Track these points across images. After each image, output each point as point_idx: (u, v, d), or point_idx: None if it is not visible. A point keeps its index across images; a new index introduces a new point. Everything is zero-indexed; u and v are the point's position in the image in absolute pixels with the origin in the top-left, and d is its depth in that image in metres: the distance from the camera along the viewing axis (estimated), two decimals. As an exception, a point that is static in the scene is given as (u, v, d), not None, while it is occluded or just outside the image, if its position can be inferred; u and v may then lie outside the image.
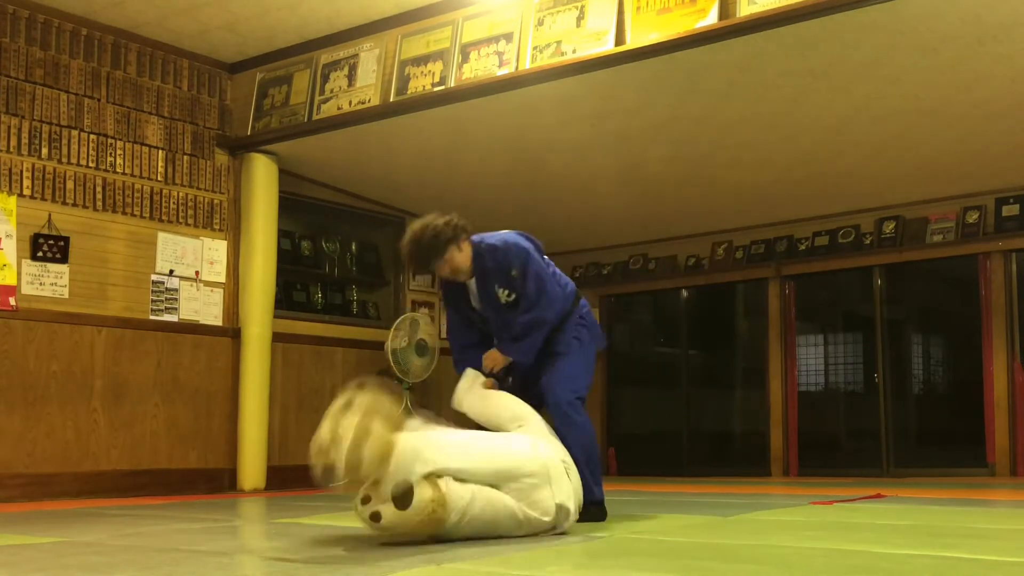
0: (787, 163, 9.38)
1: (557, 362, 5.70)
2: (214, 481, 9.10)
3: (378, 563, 3.66)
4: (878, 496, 7.13)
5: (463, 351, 5.88)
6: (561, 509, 4.65)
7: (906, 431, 10.80)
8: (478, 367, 5.76)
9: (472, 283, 5.63)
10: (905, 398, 10.98)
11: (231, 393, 9.22)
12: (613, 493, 7.39)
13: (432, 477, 4.22)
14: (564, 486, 4.73)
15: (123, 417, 8.54)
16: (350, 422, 4.14)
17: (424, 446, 4.30)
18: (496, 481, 4.47)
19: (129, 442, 8.57)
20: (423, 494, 4.15)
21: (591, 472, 5.39)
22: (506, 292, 5.58)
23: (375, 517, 4.16)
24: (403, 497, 4.14)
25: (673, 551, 4.03)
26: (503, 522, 4.45)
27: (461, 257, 5.47)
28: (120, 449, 8.51)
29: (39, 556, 4.17)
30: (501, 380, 5.77)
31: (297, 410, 9.77)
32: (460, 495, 4.28)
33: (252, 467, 9.09)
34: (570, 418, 5.59)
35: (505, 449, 4.67)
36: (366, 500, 4.21)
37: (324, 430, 4.16)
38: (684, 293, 11.97)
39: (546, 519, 4.59)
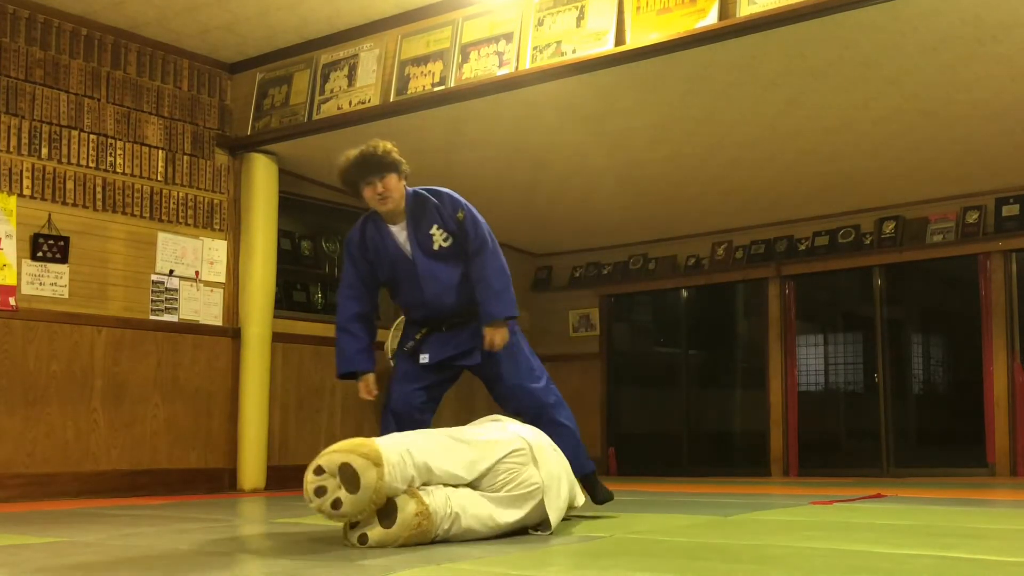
0: (787, 163, 9.39)
1: (509, 358, 5.56)
2: (214, 481, 9.10)
3: (378, 563, 3.66)
4: (878, 496, 7.13)
5: (354, 320, 5.79)
6: (548, 490, 4.61)
7: (906, 431, 10.80)
8: (366, 355, 5.75)
9: (398, 228, 5.53)
10: (905, 398, 10.99)
11: (231, 393, 9.22)
12: (613, 493, 7.38)
13: (413, 489, 4.20)
14: (552, 467, 4.70)
15: (123, 417, 8.54)
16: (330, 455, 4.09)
17: (411, 447, 4.28)
18: (483, 472, 4.44)
19: (129, 442, 8.57)
20: (407, 508, 4.12)
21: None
22: (443, 235, 5.47)
23: (362, 540, 4.13)
24: (387, 513, 4.12)
25: (673, 551, 4.03)
26: (484, 529, 4.42)
27: (398, 186, 5.44)
28: (120, 449, 8.51)
29: (38, 556, 4.16)
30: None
31: (297, 410, 9.78)
32: (443, 503, 4.26)
33: (252, 467, 9.10)
34: (558, 423, 5.52)
35: (486, 437, 4.62)
36: (353, 525, 4.20)
37: (309, 471, 4.10)
38: (684, 293, 11.98)
39: (534, 499, 4.54)
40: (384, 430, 5.45)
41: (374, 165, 5.34)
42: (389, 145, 5.41)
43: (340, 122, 8.72)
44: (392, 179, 5.40)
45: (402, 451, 4.18)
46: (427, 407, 5.66)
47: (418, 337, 5.66)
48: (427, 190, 5.56)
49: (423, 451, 4.28)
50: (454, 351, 5.58)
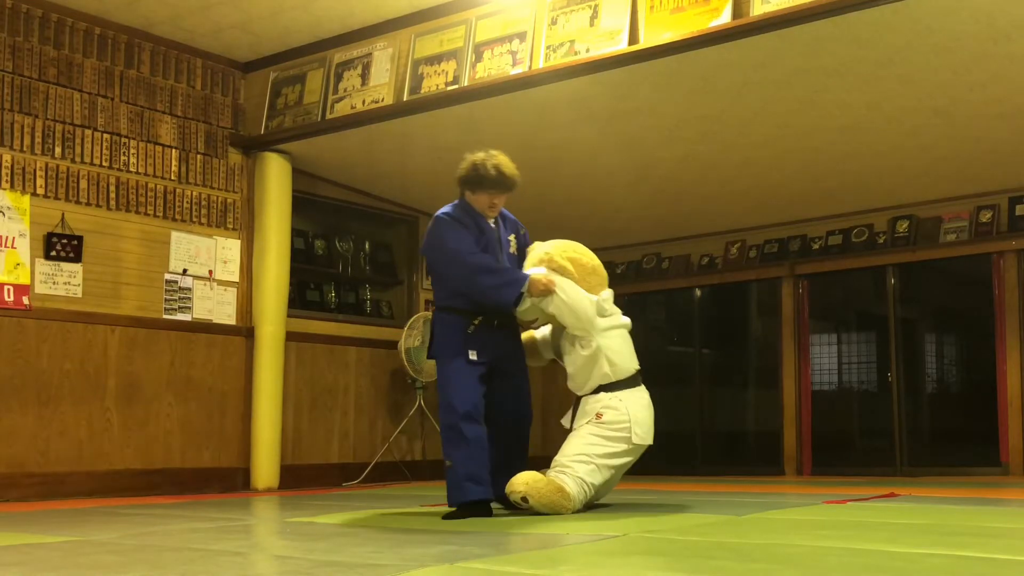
0: (800, 162, 9.37)
1: (524, 384, 6.29)
2: (227, 480, 9.11)
3: (392, 563, 3.67)
4: (891, 495, 7.12)
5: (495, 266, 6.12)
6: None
7: (919, 430, 10.77)
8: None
9: (494, 225, 6.18)
10: (918, 397, 10.95)
11: (244, 392, 9.23)
12: (626, 492, 7.39)
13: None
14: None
15: (136, 416, 8.56)
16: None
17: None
18: None
19: (142, 441, 8.59)
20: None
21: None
22: (515, 244, 6.29)
23: (525, 500, 5.67)
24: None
25: (687, 550, 4.03)
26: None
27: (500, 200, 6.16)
28: (133, 448, 8.53)
29: (52, 555, 4.18)
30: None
31: (310, 409, 9.79)
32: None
33: (265, 466, 9.10)
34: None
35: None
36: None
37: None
38: (697, 292, 11.96)
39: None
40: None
41: (507, 186, 6.05)
42: (514, 168, 6.10)
43: (353, 121, 8.73)
44: (505, 198, 6.16)
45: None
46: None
47: (475, 323, 6.06)
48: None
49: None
50: (500, 352, 6.12)
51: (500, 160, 6.03)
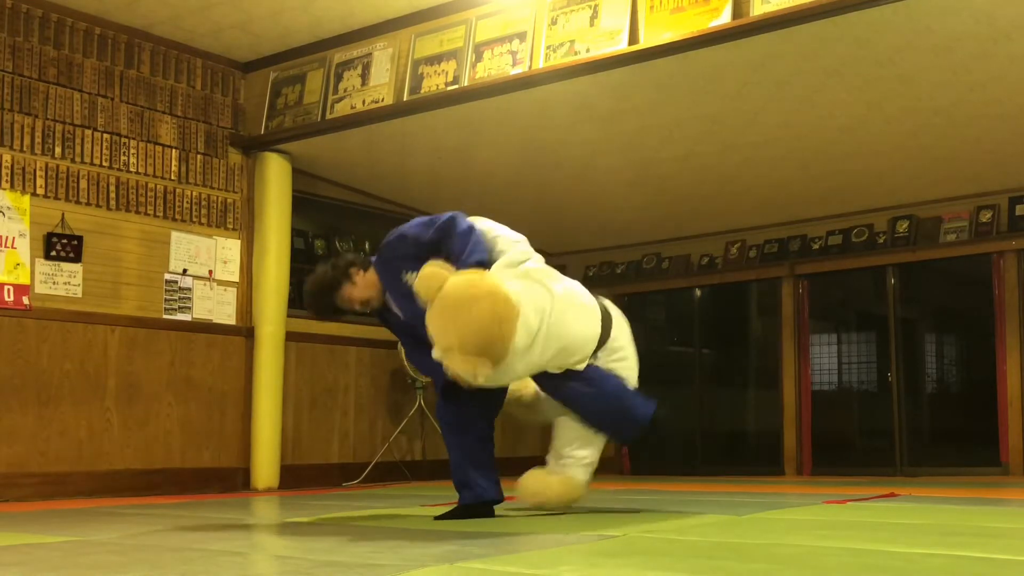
0: (800, 162, 9.38)
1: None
2: (227, 480, 9.11)
3: (392, 563, 3.67)
4: (891, 495, 7.12)
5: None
6: None
7: (920, 430, 10.77)
8: None
9: (388, 298, 5.71)
10: (919, 397, 10.96)
11: (244, 392, 9.24)
12: (627, 492, 7.39)
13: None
14: None
15: (136, 416, 8.56)
16: None
17: None
18: None
19: (142, 441, 8.59)
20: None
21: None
22: (413, 274, 5.33)
23: None
24: None
25: (687, 550, 4.03)
26: None
27: (357, 290, 5.63)
28: (133, 448, 8.53)
29: (52, 555, 4.17)
30: None
31: (311, 409, 9.79)
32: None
33: (265, 466, 9.11)
34: None
35: None
36: None
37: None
38: (697, 292, 11.96)
39: None
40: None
41: (321, 300, 5.71)
42: (323, 269, 5.69)
43: (353, 121, 8.73)
44: (347, 291, 5.65)
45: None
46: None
47: None
48: (383, 245, 5.70)
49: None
50: None
51: (304, 296, 5.83)
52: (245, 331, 9.29)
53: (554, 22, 7.67)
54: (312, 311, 5.95)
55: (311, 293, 5.71)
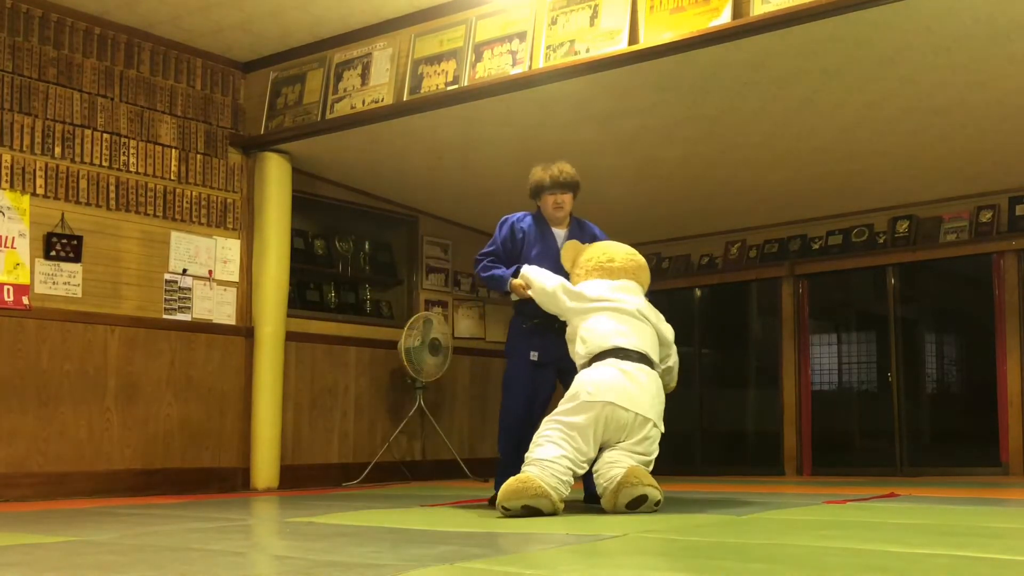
0: (801, 162, 9.37)
1: None
2: (227, 480, 9.11)
3: (392, 563, 3.67)
4: (892, 495, 7.12)
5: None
6: None
7: (920, 430, 10.77)
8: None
9: (560, 232, 6.75)
10: (919, 397, 10.95)
11: (244, 392, 9.23)
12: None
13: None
14: None
15: (136, 416, 8.56)
16: None
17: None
18: None
19: (142, 441, 8.59)
20: None
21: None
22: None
23: None
24: None
25: (687, 550, 4.03)
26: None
27: (571, 203, 6.77)
28: (133, 448, 8.53)
29: (52, 555, 4.18)
30: None
31: (310, 409, 9.79)
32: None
33: (265, 466, 9.11)
34: None
35: None
36: None
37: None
38: (697, 292, 11.95)
39: None
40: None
41: (564, 184, 6.61)
42: (574, 170, 6.68)
43: (353, 121, 8.73)
44: (569, 197, 6.70)
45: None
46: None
47: (531, 323, 6.57)
48: (578, 218, 6.95)
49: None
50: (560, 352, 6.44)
51: (558, 165, 6.62)
52: (245, 331, 9.28)
53: (554, 22, 7.66)
54: (571, 179, 6.74)
55: (559, 172, 6.65)
